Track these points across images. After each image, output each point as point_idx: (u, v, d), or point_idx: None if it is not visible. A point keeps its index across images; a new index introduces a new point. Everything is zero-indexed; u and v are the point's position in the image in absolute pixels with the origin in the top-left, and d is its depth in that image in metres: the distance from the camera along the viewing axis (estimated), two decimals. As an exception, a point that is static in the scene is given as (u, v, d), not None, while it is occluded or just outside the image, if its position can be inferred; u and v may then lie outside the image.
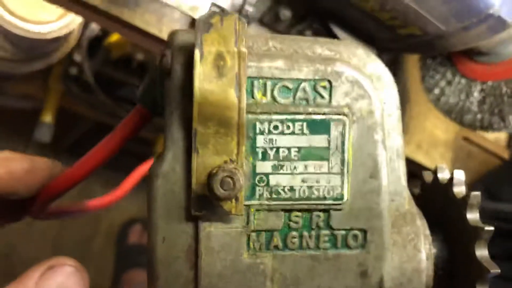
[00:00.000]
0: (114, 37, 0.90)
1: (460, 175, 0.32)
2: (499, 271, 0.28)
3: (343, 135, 0.28)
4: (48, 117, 1.01)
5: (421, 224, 0.31)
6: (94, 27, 0.89)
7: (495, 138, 0.92)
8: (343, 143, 0.28)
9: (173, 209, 0.27)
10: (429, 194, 0.35)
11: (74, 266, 0.26)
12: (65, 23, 0.61)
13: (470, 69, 0.62)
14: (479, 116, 0.64)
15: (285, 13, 0.57)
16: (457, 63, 0.64)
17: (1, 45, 0.63)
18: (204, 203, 0.26)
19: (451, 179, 0.32)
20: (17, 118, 1.11)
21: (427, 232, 0.31)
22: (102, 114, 1.03)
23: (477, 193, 0.30)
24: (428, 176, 0.36)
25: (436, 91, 0.65)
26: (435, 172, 0.34)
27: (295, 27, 0.59)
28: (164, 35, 0.53)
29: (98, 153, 0.32)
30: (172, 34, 0.28)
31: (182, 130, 0.27)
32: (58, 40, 0.62)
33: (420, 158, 0.79)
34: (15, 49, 0.63)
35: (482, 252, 0.29)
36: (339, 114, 0.28)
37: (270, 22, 0.59)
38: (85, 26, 0.85)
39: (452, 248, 0.32)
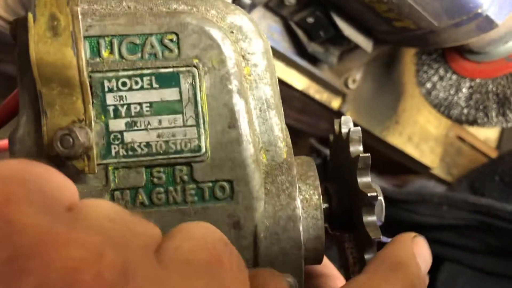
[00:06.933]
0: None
1: (356, 133, 0.31)
2: (381, 237, 0.28)
3: (194, 86, 0.28)
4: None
5: (311, 175, 0.31)
6: None
7: (486, 138, 0.94)
8: (195, 94, 0.28)
9: None
10: (335, 146, 0.35)
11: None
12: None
13: (461, 66, 0.65)
14: (465, 111, 0.67)
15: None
16: (450, 60, 0.67)
17: (13, 9, 0.66)
18: (59, 165, 0.26)
19: (348, 136, 0.31)
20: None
21: (317, 183, 0.30)
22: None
23: (366, 155, 0.29)
24: (337, 125, 0.34)
25: (428, 85, 0.68)
26: (340, 124, 0.33)
27: (298, 13, 0.62)
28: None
29: None
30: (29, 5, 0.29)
31: (31, 94, 0.27)
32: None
33: (410, 150, 0.80)
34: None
35: (368, 218, 0.29)
36: (188, 66, 0.28)
37: (275, 6, 0.61)
38: None
39: (347, 204, 0.31)
